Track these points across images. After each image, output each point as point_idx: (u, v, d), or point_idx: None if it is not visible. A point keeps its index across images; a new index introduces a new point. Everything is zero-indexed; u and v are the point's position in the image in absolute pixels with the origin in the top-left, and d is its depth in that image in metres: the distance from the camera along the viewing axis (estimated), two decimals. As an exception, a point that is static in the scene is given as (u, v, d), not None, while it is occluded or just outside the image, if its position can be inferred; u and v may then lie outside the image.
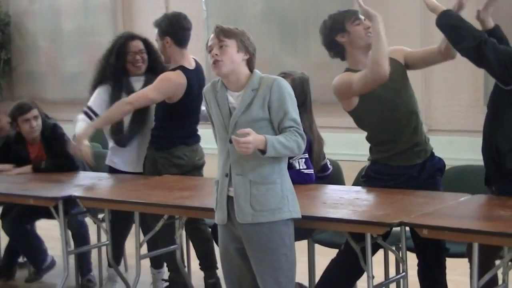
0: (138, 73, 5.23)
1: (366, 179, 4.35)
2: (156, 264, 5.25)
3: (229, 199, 3.58)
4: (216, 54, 3.54)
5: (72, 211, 5.02)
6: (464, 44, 3.82)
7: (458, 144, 9.78)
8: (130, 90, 5.14)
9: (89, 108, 5.18)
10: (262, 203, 3.50)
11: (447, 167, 4.64)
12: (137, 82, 5.22)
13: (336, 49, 4.29)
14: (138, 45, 5.23)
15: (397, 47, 4.35)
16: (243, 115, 3.53)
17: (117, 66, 5.20)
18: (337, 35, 4.24)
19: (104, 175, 5.30)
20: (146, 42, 5.28)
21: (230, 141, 3.51)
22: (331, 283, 4.20)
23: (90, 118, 5.12)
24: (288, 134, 3.49)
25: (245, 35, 3.59)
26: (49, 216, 4.92)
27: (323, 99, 10.74)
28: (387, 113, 4.18)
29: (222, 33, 3.55)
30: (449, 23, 3.89)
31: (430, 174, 4.26)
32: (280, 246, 3.53)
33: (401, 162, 4.21)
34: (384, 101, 4.16)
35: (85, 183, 5.05)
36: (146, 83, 5.11)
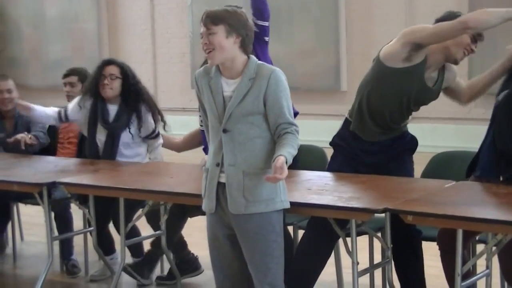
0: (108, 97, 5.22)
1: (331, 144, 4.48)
2: (136, 253, 5.28)
3: (219, 186, 3.54)
4: (206, 44, 3.47)
5: (56, 197, 5.01)
6: None
7: (442, 132, 9.83)
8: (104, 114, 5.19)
9: (65, 111, 5.28)
10: (255, 194, 3.46)
11: (431, 155, 4.67)
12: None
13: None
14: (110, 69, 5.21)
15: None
16: (238, 106, 3.47)
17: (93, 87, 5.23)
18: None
19: (87, 160, 5.28)
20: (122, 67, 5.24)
21: (224, 131, 3.49)
22: (311, 245, 4.21)
23: (60, 118, 5.28)
24: (291, 139, 3.45)
25: (236, 16, 3.48)
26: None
27: (307, 87, 10.80)
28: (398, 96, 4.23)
29: (209, 20, 3.47)
30: None
31: (399, 151, 4.33)
32: (271, 232, 3.52)
33: (369, 138, 4.31)
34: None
35: (70, 168, 5.03)
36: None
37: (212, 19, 3.46)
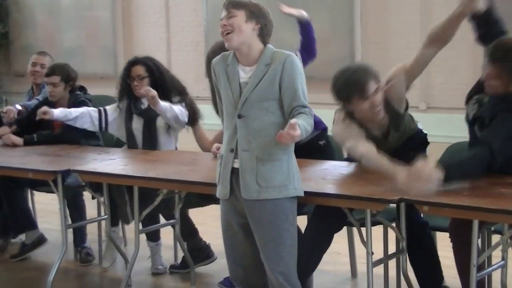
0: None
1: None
2: (152, 237, 5.26)
3: (234, 172, 3.56)
4: (224, 25, 3.51)
5: (69, 182, 5.02)
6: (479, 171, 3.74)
7: (456, 122, 9.75)
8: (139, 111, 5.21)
9: (105, 110, 5.31)
10: (268, 180, 3.49)
11: (446, 145, 4.63)
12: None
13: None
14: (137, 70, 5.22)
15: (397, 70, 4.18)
16: (254, 91, 3.50)
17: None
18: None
19: (102, 149, 5.28)
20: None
21: (239, 116, 3.51)
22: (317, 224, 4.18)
23: (100, 118, 5.29)
24: (306, 119, 3.46)
25: (257, 6, 3.55)
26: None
27: (321, 76, 10.72)
28: None
29: (231, 5, 3.53)
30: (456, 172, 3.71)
31: (407, 149, 4.24)
32: (283, 221, 3.52)
33: None
34: None
35: (84, 156, 5.04)
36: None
37: (234, 4, 3.54)
